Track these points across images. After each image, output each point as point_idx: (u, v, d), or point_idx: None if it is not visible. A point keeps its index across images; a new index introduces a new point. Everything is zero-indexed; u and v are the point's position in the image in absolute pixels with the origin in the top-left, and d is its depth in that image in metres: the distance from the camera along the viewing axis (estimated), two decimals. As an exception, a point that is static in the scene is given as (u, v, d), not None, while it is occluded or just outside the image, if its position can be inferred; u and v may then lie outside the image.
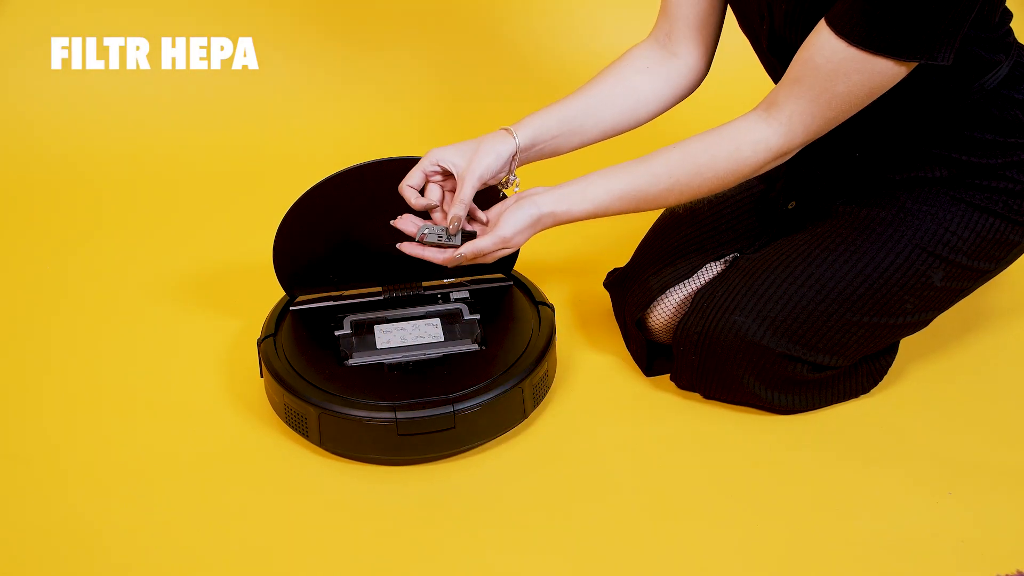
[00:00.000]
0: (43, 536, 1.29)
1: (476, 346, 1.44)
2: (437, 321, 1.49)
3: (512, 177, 1.40)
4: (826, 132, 1.31)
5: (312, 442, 1.39)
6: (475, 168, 1.34)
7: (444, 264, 1.33)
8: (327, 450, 1.40)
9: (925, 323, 1.47)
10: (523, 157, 1.40)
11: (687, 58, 1.47)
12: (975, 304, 1.66)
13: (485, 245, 1.32)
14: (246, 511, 1.32)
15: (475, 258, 1.33)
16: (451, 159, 1.36)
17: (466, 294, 1.55)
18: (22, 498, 1.35)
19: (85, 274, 1.82)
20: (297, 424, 1.40)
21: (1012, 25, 1.39)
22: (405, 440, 1.35)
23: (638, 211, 1.35)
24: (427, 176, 1.38)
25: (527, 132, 1.40)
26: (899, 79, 1.26)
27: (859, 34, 1.22)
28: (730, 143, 1.31)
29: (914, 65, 1.24)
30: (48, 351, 1.63)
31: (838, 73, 1.25)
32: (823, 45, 1.24)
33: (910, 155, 1.42)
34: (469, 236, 1.35)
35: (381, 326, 1.48)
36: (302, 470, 1.38)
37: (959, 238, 1.41)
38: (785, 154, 1.32)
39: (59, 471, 1.39)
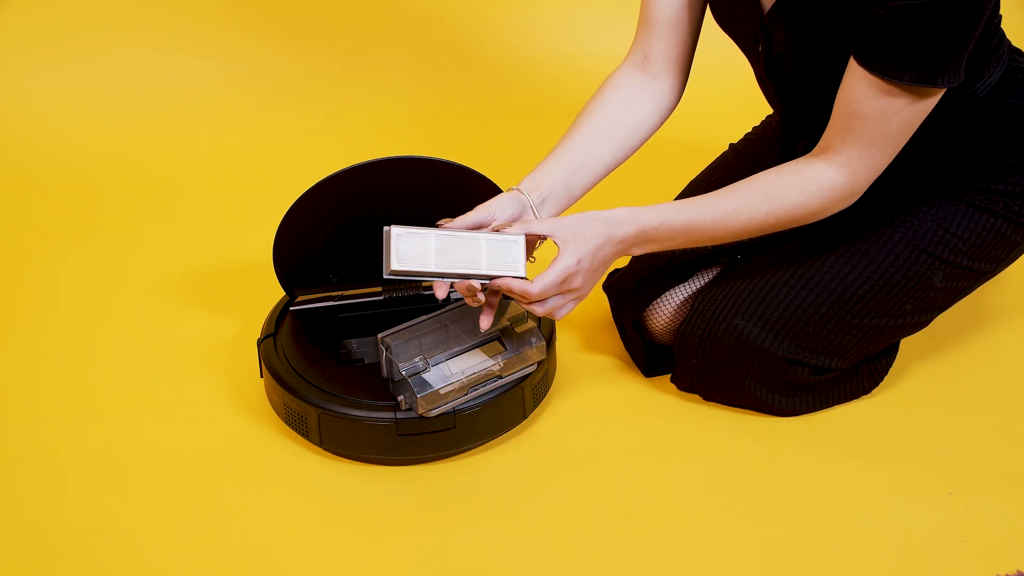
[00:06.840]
0: (43, 536, 1.29)
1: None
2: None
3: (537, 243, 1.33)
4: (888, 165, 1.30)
5: (312, 442, 1.39)
6: (476, 211, 1.29)
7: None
8: (327, 450, 1.40)
9: (925, 323, 1.47)
10: (538, 206, 1.36)
11: (667, 79, 1.46)
12: (975, 304, 1.66)
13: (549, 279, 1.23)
14: (246, 511, 1.32)
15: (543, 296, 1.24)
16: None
17: None
18: (22, 498, 1.34)
19: (85, 274, 1.82)
20: (297, 424, 1.40)
21: (1012, 24, 1.39)
22: (405, 440, 1.35)
23: (704, 238, 1.31)
24: None
25: (535, 183, 1.36)
26: (939, 98, 1.26)
27: (892, 69, 1.22)
28: (796, 176, 1.30)
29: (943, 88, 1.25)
30: (48, 351, 1.63)
31: (887, 115, 1.25)
32: (866, 92, 1.24)
33: (906, 162, 1.42)
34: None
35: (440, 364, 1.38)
36: (302, 470, 1.38)
37: (959, 239, 1.41)
38: (852, 195, 1.31)
39: (59, 470, 1.39)
